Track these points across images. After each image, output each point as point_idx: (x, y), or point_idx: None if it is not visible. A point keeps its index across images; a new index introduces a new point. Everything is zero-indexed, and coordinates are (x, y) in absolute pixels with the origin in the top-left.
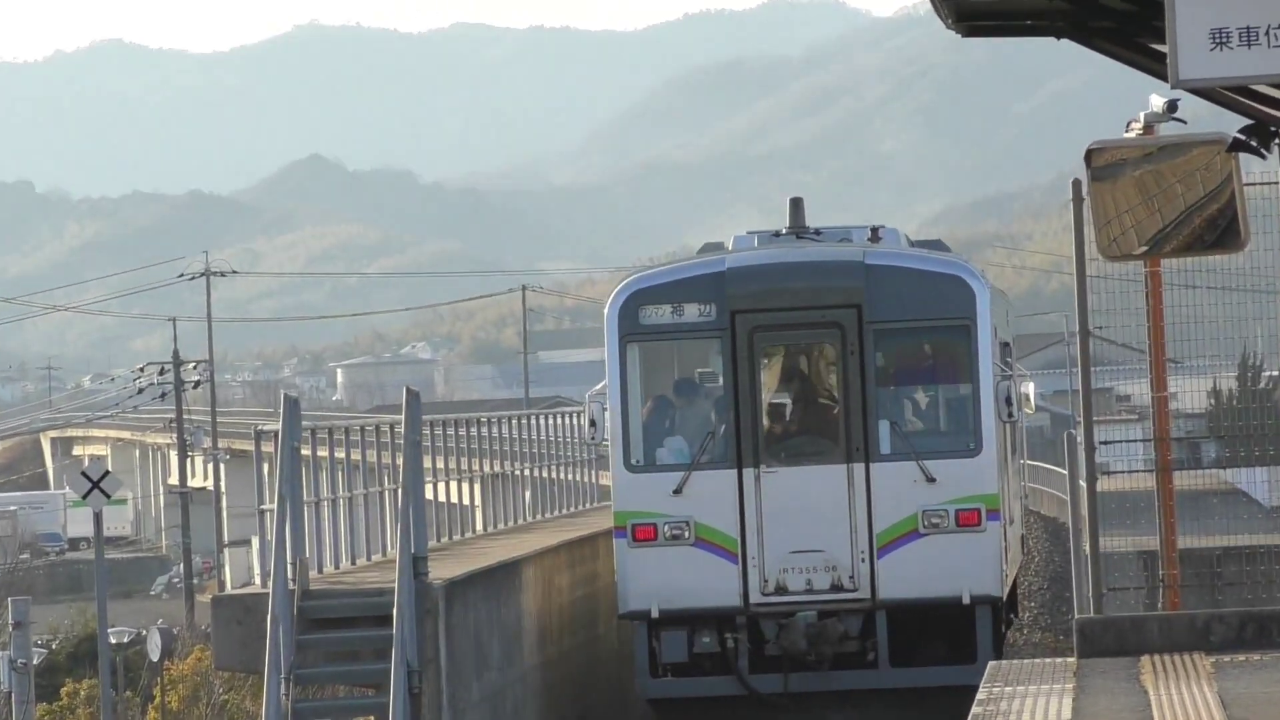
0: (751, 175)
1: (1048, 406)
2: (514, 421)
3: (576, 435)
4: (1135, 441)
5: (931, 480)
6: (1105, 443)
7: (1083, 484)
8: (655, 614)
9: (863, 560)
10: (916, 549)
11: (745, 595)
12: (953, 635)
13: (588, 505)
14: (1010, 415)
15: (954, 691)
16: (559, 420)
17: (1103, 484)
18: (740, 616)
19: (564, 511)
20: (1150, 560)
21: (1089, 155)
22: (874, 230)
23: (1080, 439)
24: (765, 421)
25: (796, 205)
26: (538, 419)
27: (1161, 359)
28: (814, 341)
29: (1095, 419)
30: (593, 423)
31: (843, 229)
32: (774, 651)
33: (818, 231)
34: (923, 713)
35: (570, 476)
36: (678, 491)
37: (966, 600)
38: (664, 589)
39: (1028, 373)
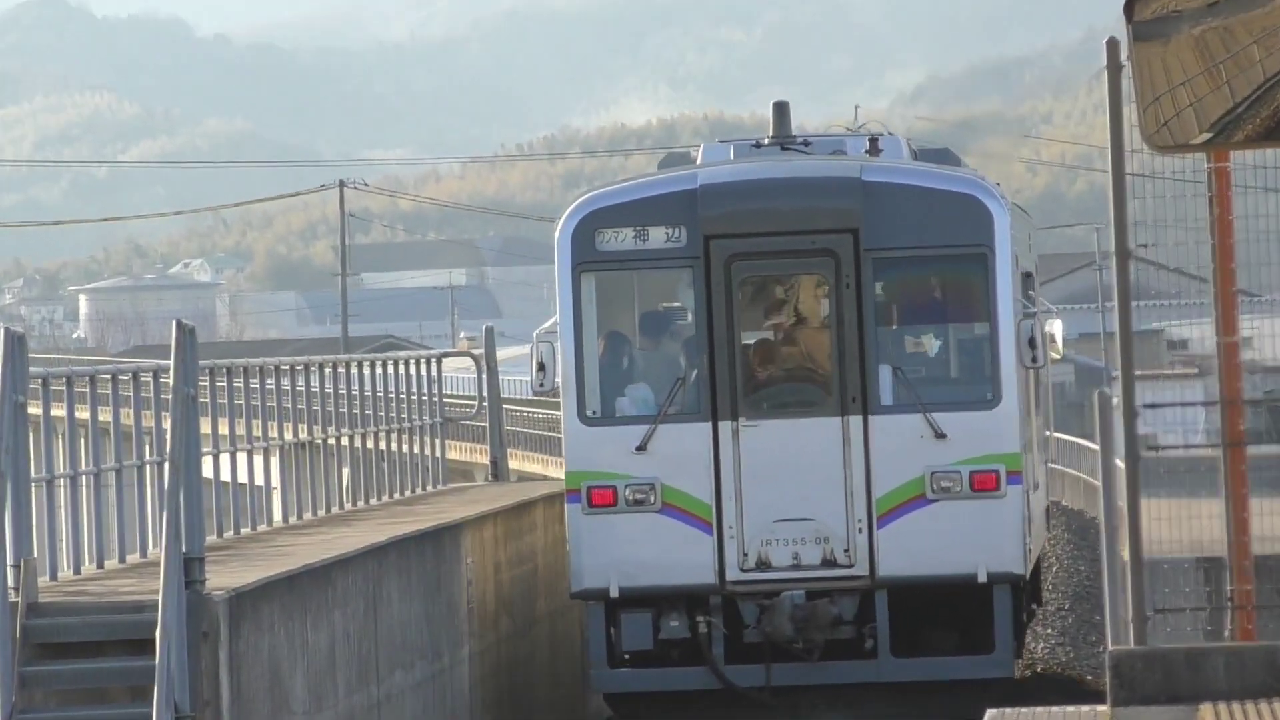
0: (658, 30)
1: (1072, 355)
2: (328, 371)
3: (416, 390)
4: (1194, 405)
5: (941, 436)
6: (1152, 406)
7: (1120, 464)
8: (614, 593)
9: (860, 531)
10: (923, 517)
11: (721, 571)
12: (966, 620)
13: (430, 488)
14: (1034, 360)
15: (966, 687)
16: (390, 370)
17: (1149, 463)
18: (715, 596)
19: (397, 496)
20: (1214, 570)
21: (1130, 5)
22: (873, 140)
23: (1117, 400)
24: (745, 366)
25: (781, 110)
26: (360, 368)
27: (1230, 290)
28: (803, 272)
29: (1138, 373)
30: (540, 366)
31: (835, 139)
32: (754, 638)
33: (806, 142)
34: (929, 712)
35: (406, 448)
36: (641, 448)
37: (982, 578)
38: (625, 563)
39: (1053, 308)
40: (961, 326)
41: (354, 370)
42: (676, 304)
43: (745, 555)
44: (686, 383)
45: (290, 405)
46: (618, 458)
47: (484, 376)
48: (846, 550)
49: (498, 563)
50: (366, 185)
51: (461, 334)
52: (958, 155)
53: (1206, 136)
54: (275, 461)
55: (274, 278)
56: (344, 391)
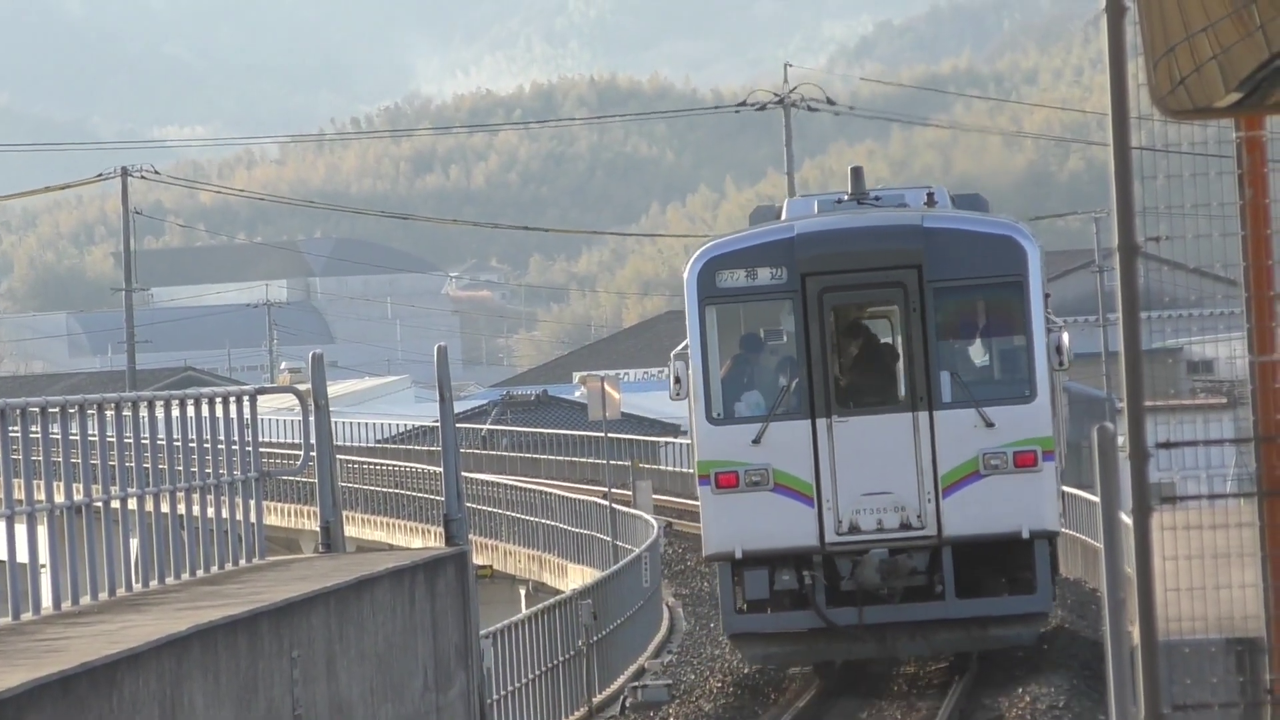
0: None
1: (1066, 383)
2: (109, 414)
3: (225, 438)
4: (1221, 444)
5: (990, 425)
6: (1167, 445)
7: (1126, 519)
8: (739, 555)
9: (929, 500)
10: (978, 489)
11: (821, 535)
12: (1013, 568)
13: (244, 562)
14: (1061, 364)
15: (1014, 620)
16: (190, 411)
17: (1165, 520)
18: (817, 555)
19: (201, 573)
20: (1249, 654)
21: None
22: (929, 195)
23: (1122, 439)
24: (835, 375)
25: (857, 174)
26: (152, 409)
27: (1267, 295)
28: (879, 300)
29: (1150, 404)
30: (677, 380)
31: (898, 192)
32: (849, 587)
33: (877, 198)
34: (986, 640)
35: (212, 512)
36: (756, 441)
37: (1025, 535)
38: (746, 532)
39: (1060, 322)
40: (1003, 339)
41: (143, 413)
42: (780, 327)
43: (840, 522)
44: (790, 389)
45: (62, 459)
46: (738, 449)
47: (312, 419)
48: (919, 516)
49: (332, 656)
50: (157, 173)
51: (283, 364)
52: (986, 200)
53: (1235, 97)
54: (43, 531)
55: (38, 295)
56: (131, 440)
